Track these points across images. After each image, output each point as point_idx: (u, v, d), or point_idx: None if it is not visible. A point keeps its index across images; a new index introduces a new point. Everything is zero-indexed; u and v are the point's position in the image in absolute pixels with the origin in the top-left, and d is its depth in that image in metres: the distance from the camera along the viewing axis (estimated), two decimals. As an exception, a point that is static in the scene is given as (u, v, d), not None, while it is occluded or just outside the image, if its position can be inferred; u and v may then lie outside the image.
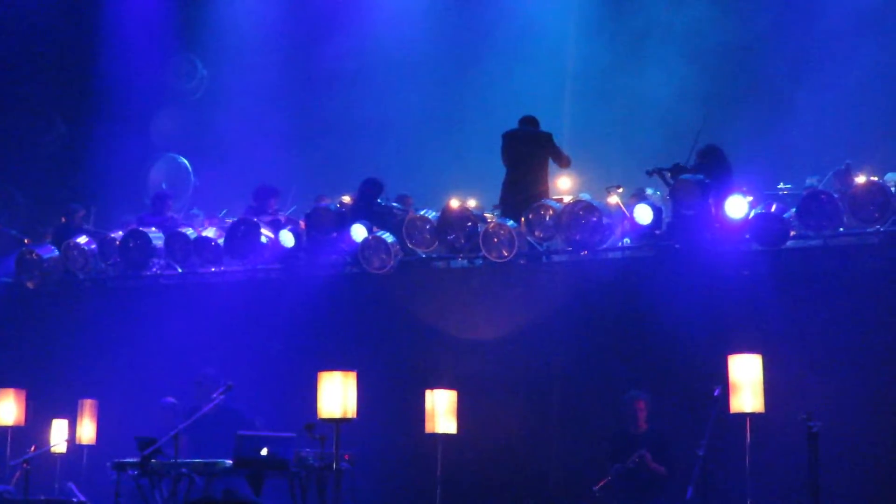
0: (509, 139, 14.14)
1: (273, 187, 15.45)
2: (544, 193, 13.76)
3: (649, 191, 13.94)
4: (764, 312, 11.95)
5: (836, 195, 12.28)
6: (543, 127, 14.21)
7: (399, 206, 14.82)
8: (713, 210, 12.52)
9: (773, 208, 12.42)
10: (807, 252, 12.44)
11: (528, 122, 14.23)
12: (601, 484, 11.42)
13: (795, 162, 14.30)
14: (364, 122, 17.93)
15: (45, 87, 19.07)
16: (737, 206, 12.38)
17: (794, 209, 12.37)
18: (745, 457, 10.10)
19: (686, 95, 15.89)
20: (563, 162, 14.14)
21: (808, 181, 13.43)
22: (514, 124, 14.26)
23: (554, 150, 14.05)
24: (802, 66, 15.70)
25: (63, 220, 16.40)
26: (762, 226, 12.29)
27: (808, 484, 9.78)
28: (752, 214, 12.37)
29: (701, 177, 12.58)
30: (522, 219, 13.29)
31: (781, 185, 13.66)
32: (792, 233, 12.31)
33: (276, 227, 14.68)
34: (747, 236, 12.42)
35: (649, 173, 13.14)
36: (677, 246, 12.77)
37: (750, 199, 12.57)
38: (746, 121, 15.68)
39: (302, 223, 14.87)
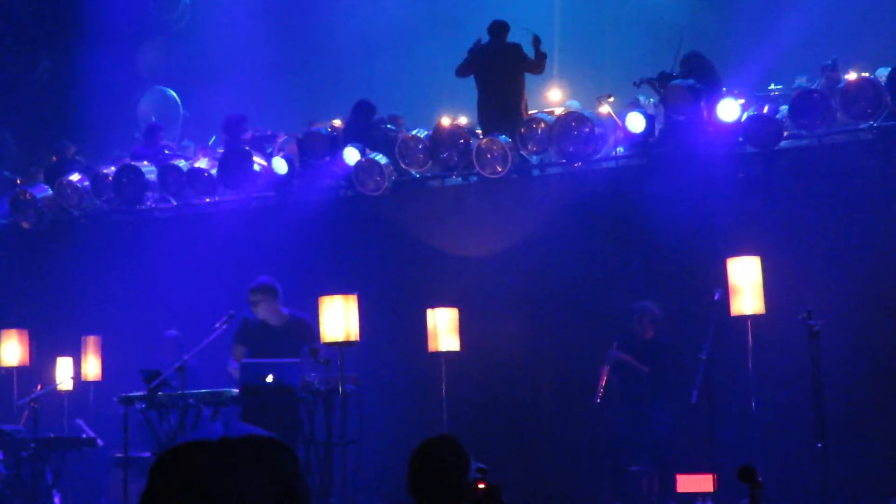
0: (477, 55, 13.87)
1: (239, 114, 15.25)
2: (520, 106, 13.59)
3: (641, 98, 13.84)
4: (760, 214, 11.98)
5: (825, 92, 12.24)
6: (533, 34, 13.89)
7: (391, 126, 14.76)
8: (705, 114, 12.48)
9: (766, 109, 12.37)
10: (801, 151, 12.43)
11: (497, 33, 13.90)
12: (600, 392, 11.49)
13: (785, 62, 14.22)
14: (350, 43, 17.80)
15: (27, 22, 18.91)
16: (729, 109, 12.33)
17: (785, 108, 12.33)
18: (748, 358, 10.18)
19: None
20: (537, 68, 13.79)
21: (798, 81, 13.37)
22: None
23: (524, 60, 13.72)
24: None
25: (54, 158, 16.32)
26: (755, 127, 12.24)
27: (812, 381, 9.87)
28: (744, 117, 12.33)
29: (692, 81, 12.52)
30: (514, 134, 13.23)
31: (772, 86, 13.59)
32: (785, 133, 12.27)
33: (258, 150, 14.65)
34: (740, 139, 12.39)
35: (637, 84, 13.04)
36: (670, 152, 12.73)
37: (742, 101, 12.53)
38: (736, 21, 15.58)
39: (281, 136, 14.85)
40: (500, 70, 13.66)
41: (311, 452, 10.89)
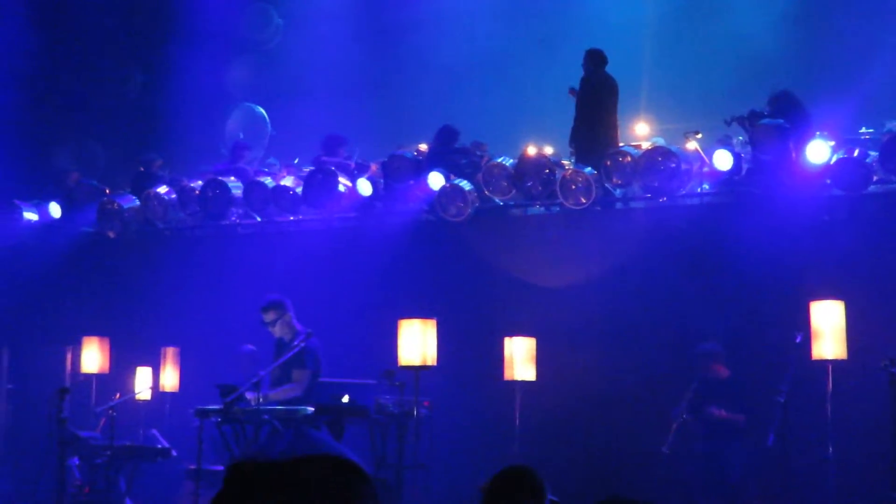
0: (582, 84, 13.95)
1: (341, 136, 15.42)
2: (610, 138, 13.57)
3: (735, 139, 13.72)
4: (846, 258, 11.83)
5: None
6: (623, 71, 13.93)
7: (475, 152, 14.78)
8: (793, 155, 12.37)
9: (856, 153, 12.24)
10: (889, 197, 12.28)
11: (594, 61, 13.99)
12: (669, 441, 11.37)
13: (876, 105, 14.06)
14: (438, 68, 17.84)
15: (121, 37, 19.21)
16: (819, 151, 12.21)
17: (875, 153, 12.19)
18: (827, 403, 10.05)
19: (766, 36, 15.66)
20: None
21: (888, 125, 13.22)
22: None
23: (616, 95, 13.76)
24: (883, 7, 15.41)
25: (141, 169, 16.53)
26: (844, 170, 12.12)
27: (891, 430, 9.72)
28: (833, 159, 12.20)
29: (781, 121, 12.42)
30: (599, 166, 13.19)
31: (863, 130, 13.44)
32: (874, 177, 12.13)
33: (347, 174, 14.73)
34: (828, 181, 12.27)
35: (728, 122, 13.00)
36: (757, 191, 12.63)
37: (832, 143, 12.40)
38: (828, 62, 15.43)
39: (373, 166, 14.91)
40: (594, 100, 13.67)
41: (381, 475, 10.91)
